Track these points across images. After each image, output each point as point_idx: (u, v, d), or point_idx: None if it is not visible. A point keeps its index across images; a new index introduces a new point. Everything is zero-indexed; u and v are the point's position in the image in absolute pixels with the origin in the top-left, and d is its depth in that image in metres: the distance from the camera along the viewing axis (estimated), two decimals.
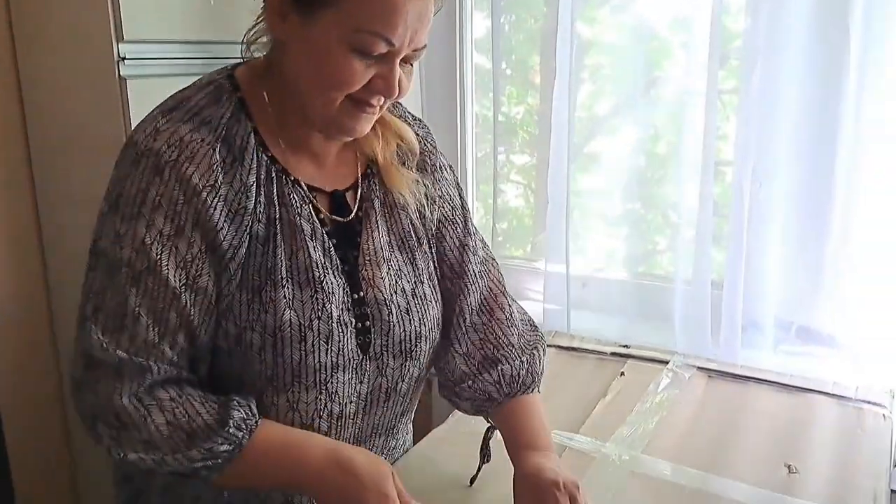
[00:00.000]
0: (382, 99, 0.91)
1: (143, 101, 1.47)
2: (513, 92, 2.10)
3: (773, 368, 1.51)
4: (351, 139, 0.97)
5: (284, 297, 0.91)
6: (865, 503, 1.03)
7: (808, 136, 1.55)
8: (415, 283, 1.04)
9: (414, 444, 1.19)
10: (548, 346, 1.59)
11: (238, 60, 1.00)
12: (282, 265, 0.92)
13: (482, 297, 1.11)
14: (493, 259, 1.16)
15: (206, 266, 0.88)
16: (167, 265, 0.85)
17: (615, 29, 1.85)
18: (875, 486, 1.07)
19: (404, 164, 1.06)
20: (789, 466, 1.11)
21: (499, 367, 1.07)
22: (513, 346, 1.09)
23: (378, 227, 1.02)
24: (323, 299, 0.94)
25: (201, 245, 0.87)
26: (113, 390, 0.83)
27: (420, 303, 1.04)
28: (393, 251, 1.03)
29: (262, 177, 0.92)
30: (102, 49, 1.43)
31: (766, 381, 1.44)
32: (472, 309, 1.10)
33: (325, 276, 0.94)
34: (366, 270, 0.99)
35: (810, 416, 1.31)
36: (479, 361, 1.08)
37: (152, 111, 0.92)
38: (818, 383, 1.41)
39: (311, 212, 0.96)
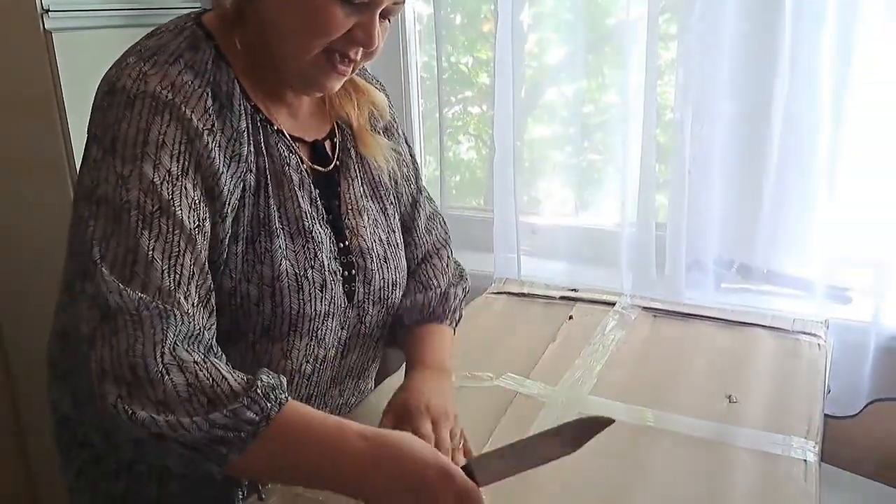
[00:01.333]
0: (360, 52, 0.90)
1: (70, 54, 1.43)
2: (464, 41, 2.08)
3: (716, 306, 1.56)
4: (321, 94, 0.98)
5: (279, 247, 0.92)
6: (801, 426, 1.07)
7: (745, 80, 1.59)
8: (388, 232, 1.07)
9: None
10: (498, 292, 1.63)
11: (199, 9, 0.97)
12: (274, 215, 0.92)
13: (426, 251, 1.15)
14: (439, 213, 1.20)
15: (207, 213, 0.85)
16: (179, 205, 0.80)
17: None
18: (810, 409, 1.12)
19: (375, 129, 1.08)
20: (730, 397, 1.15)
21: (414, 296, 1.11)
22: (439, 287, 1.14)
23: (356, 176, 1.04)
24: (314, 248, 0.95)
25: (203, 188, 0.84)
26: (134, 341, 0.74)
27: (395, 251, 1.07)
28: (368, 200, 1.05)
29: (249, 125, 0.90)
30: (25, 1, 1.38)
31: (708, 317, 1.48)
32: (416, 262, 1.15)
33: (313, 225, 0.96)
34: (349, 219, 1.02)
35: (750, 348, 1.35)
36: (404, 294, 1.12)
37: (125, 58, 0.87)
38: (757, 317, 1.46)
39: (298, 161, 0.96)
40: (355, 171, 1.04)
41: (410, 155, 1.18)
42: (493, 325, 1.48)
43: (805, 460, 0.99)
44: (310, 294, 0.94)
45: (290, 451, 0.76)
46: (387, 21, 0.92)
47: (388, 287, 1.05)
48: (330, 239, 0.98)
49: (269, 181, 0.92)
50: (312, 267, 0.94)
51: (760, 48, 1.55)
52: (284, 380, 0.80)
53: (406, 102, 2.02)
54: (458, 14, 2.06)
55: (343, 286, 0.99)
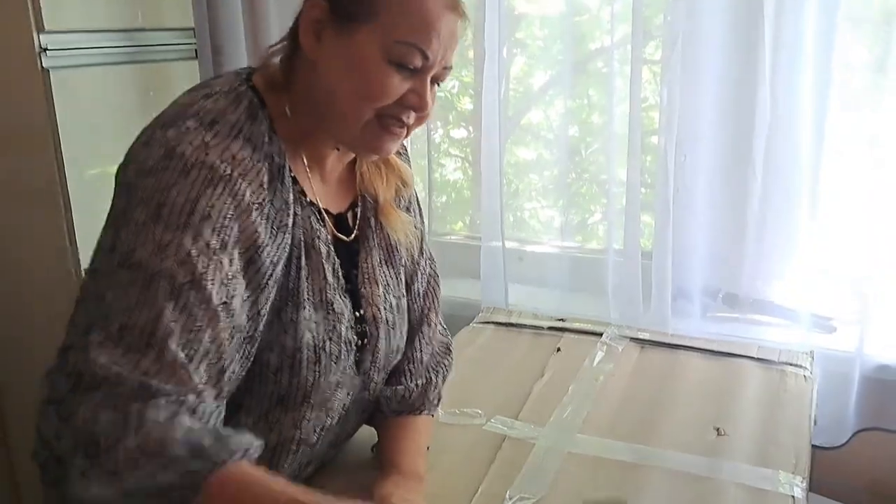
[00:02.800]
0: (412, 116, 0.91)
1: (66, 91, 1.45)
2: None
3: (703, 335, 1.58)
4: (379, 158, 1.00)
5: (304, 318, 0.92)
6: (788, 460, 1.09)
7: (728, 108, 1.61)
8: (398, 297, 1.07)
9: None
10: (485, 322, 1.65)
11: (246, 68, 0.97)
12: (304, 286, 0.92)
13: (418, 314, 1.14)
14: (436, 275, 1.18)
15: (241, 287, 0.84)
16: (211, 279, 0.80)
17: (547, 2, 1.87)
18: (797, 443, 1.14)
19: (399, 205, 1.09)
20: (718, 430, 1.17)
21: (395, 385, 1.10)
22: (420, 363, 1.13)
23: (374, 245, 1.04)
24: (334, 320, 0.95)
25: (240, 262, 0.84)
26: (102, 406, 0.73)
27: (401, 317, 1.07)
28: (383, 266, 1.05)
29: (292, 196, 0.91)
30: (23, 40, 1.40)
31: (695, 348, 1.50)
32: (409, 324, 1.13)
33: (335, 296, 0.96)
34: (365, 288, 1.02)
35: (737, 380, 1.37)
36: (386, 380, 1.11)
37: (181, 120, 0.85)
38: (744, 348, 1.48)
39: (326, 234, 0.96)
40: (373, 239, 1.04)
41: (420, 214, 1.17)
42: (480, 358, 1.49)
43: (793, 496, 1.01)
44: (326, 366, 0.95)
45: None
46: (437, 85, 0.93)
47: (392, 353, 1.06)
48: (348, 309, 0.98)
49: (301, 252, 0.92)
50: (331, 339, 0.95)
51: (742, 77, 1.58)
52: (256, 443, 0.79)
53: None
54: None
55: (354, 356, 1.00)
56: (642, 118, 1.67)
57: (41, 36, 1.37)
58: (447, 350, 1.18)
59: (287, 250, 0.90)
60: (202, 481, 0.73)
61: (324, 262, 0.95)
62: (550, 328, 1.61)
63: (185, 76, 1.66)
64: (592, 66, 1.88)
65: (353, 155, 1.02)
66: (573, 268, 1.91)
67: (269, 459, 0.95)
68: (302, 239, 0.92)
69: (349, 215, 1.03)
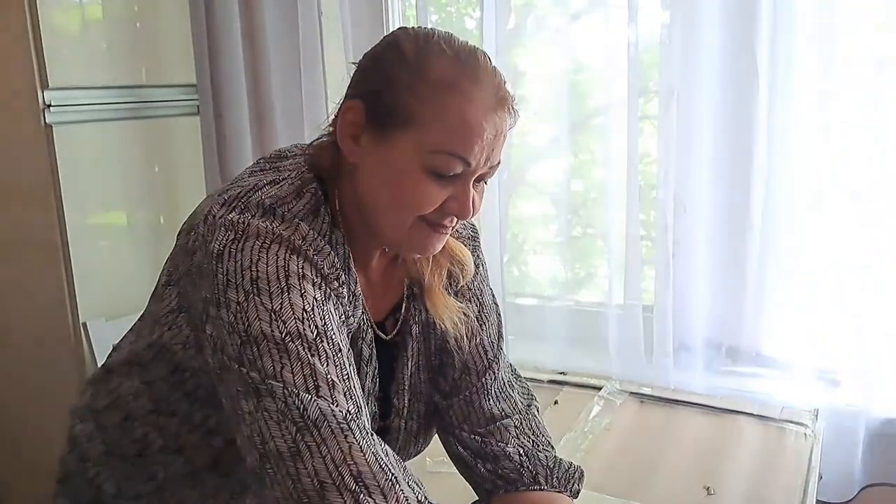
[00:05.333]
0: (455, 219, 0.86)
1: (69, 147, 1.49)
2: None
3: (705, 389, 1.56)
4: (425, 255, 0.93)
5: None
6: None
7: (726, 162, 1.61)
8: (429, 401, 1.02)
9: None
10: None
11: (311, 147, 0.93)
12: None
13: (491, 416, 1.02)
14: (519, 379, 1.09)
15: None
16: (333, 329, 0.78)
17: (547, 60, 1.89)
18: (788, 502, 1.10)
19: (450, 287, 1.00)
20: (707, 488, 1.15)
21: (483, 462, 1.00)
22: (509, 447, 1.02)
23: (414, 352, 0.98)
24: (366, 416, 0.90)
25: (342, 315, 0.82)
26: (349, 447, 0.70)
27: (428, 424, 1.02)
28: (420, 372, 1.00)
29: (357, 289, 0.87)
30: (27, 97, 1.44)
31: (695, 404, 1.48)
32: (475, 432, 1.02)
33: (368, 404, 0.91)
34: (397, 399, 0.97)
35: (734, 437, 1.35)
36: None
37: (244, 201, 0.82)
38: (744, 405, 1.45)
39: (372, 337, 0.92)
40: (414, 347, 0.98)
41: (494, 302, 1.07)
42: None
43: None
44: None
45: None
46: (483, 183, 0.88)
47: (408, 457, 1.02)
48: (375, 418, 0.94)
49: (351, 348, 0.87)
50: None
51: (739, 132, 1.58)
52: None
53: None
54: None
55: None
56: (643, 173, 1.68)
57: (45, 92, 1.41)
58: (528, 396, 1.07)
59: (349, 341, 0.85)
60: None
61: (364, 365, 0.91)
62: (550, 381, 1.60)
63: (186, 131, 1.70)
64: (594, 123, 1.90)
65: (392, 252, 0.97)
66: (574, 322, 1.89)
67: None
68: (352, 334, 0.89)
69: (388, 322, 0.97)
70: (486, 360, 1.01)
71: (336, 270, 0.83)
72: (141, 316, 0.95)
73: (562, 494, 0.97)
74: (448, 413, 1.01)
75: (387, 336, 0.95)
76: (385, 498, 0.68)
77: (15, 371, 1.67)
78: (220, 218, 0.80)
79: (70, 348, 1.58)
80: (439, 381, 1.01)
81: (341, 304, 0.84)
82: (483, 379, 1.00)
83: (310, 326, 0.75)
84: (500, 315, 1.06)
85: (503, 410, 1.01)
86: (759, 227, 1.61)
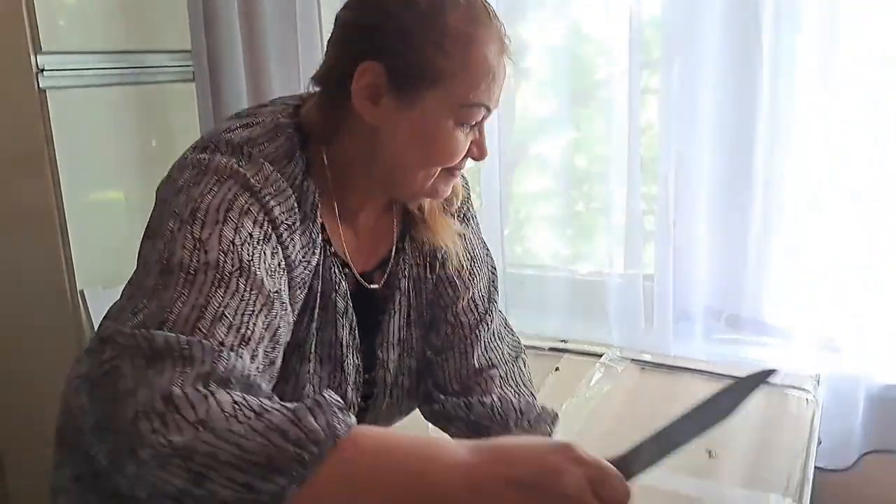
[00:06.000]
0: (469, 161, 0.89)
1: (63, 111, 1.47)
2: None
3: (705, 357, 1.56)
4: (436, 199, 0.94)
5: (308, 371, 0.88)
6: (779, 482, 1.06)
7: (727, 132, 1.60)
8: (420, 356, 1.01)
9: None
10: None
11: (298, 96, 0.93)
12: (312, 339, 0.88)
13: (480, 367, 1.03)
14: (507, 328, 1.10)
15: (285, 287, 0.79)
16: (259, 266, 0.74)
17: (551, 32, 1.87)
18: (790, 466, 1.11)
19: (446, 210, 1.01)
20: (710, 452, 1.14)
21: (517, 398, 1.01)
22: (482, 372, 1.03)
23: (398, 308, 0.98)
24: (341, 379, 0.91)
25: (282, 262, 0.79)
26: (174, 377, 0.61)
27: (421, 379, 1.01)
28: (410, 328, 0.99)
29: (319, 242, 0.87)
30: (20, 61, 1.42)
31: (696, 370, 1.47)
32: (462, 379, 1.02)
33: (346, 355, 0.92)
34: (381, 351, 0.96)
35: None
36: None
37: (217, 143, 0.81)
38: (746, 370, 1.44)
39: (346, 289, 0.91)
40: (401, 301, 0.98)
41: (488, 255, 1.08)
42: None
43: None
44: None
45: (369, 472, 0.60)
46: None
47: (401, 413, 1.01)
48: (358, 370, 0.94)
49: (317, 303, 0.88)
50: None
51: (740, 102, 1.57)
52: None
53: None
54: None
55: (357, 415, 0.94)
56: (646, 145, 1.66)
57: (38, 56, 1.39)
58: (517, 348, 1.08)
59: (306, 290, 0.85)
60: (333, 441, 0.59)
61: (339, 317, 0.91)
62: (552, 349, 1.60)
63: (182, 98, 1.67)
64: (598, 96, 1.88)
65: (387, 201, 0.97)
66: (575, 292, 1.88)
67: None
68: (320, 289, 0.88)
69: (376, 274, 0.97)
70: (477, 314, 1.02)
71: (292, 217, 0.81)
72: (129, 280, 0.93)
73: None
74: (441, 368, 1.01)
75: (370, 286, 0.94)
76: (193, 407, 0.58)
77: (13, 338, 1.67)
78: (188, 158, 0.80)
79: (68, 316, 1.57)
80: (432, 336, 1.01)
81: (290, 250, 0.82)
82: (476, 332, 1.01)
83: (231, 258, 0.72)
84: (493, 269, 1.06)
85: (490, 360, 1.02)
86: (760, 195, 1.60)
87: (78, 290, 1.56)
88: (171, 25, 1.62)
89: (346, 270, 0.92)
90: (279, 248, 0.80)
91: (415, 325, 0.99)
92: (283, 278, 0.79)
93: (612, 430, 1.23)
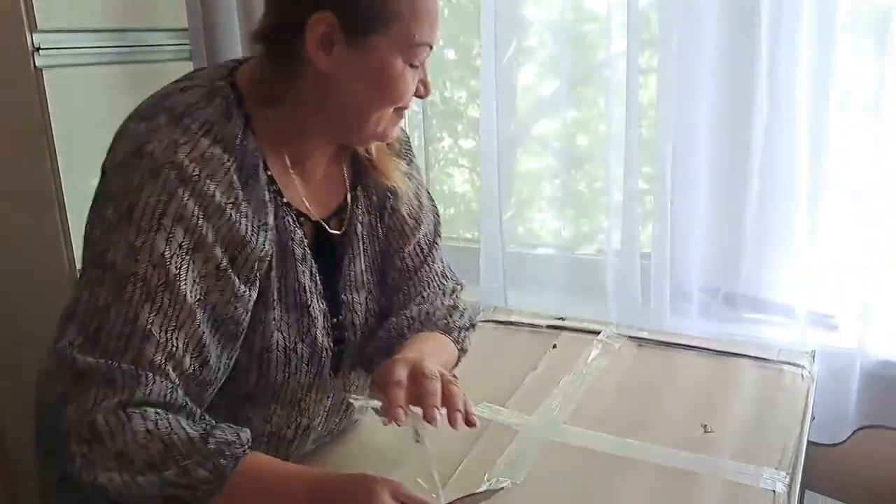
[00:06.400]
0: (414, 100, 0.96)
1: (60, 90, 1.47)
2: (458, 76, 2.11)
3: (702, 334, 1.56)
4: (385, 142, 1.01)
5: (274, 318, 0.92)
6: (774, 456, 1.07)
7: (725, 111, 1.60)
8: (380, 300, 1.07)
9: None
10: (485, 321, 1.64)
11: (233, 60, 0.97)
12: (274, 287, 0.92)
13: (422, 310, 1.10)
14: (438, 222, 1.18)
15: (230, 282, 0.85)
16: (185, 280, 0.81)
17: (554, 10, 1.86)
18: (784, 440, 1.11)
19: (396, 154, 1.09)
20: (705, 426, 1.15)
21: (419, 307, 1.08)
22: (423, 296, 1.12)
23: (357, 252, 1.04)
24: (308, 324, 0.95)
25: (223, 260, 0.84)
26: (98, 399, 0.75)
27: (384, 321, 1.07)
28: (369, 273, 1.05)
29: (269, 196, 0.91)
30: (16, 40, 1.41)
31: (693, 347, 1.48)
32: (411, 314, 1.09)
33: (311, 300, 0.96)
34: (346, 295, 1.02)
35: (732, 378, 1.35)
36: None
37: (155, 114, 0.86)
38: (742, 347, 1.46)
39: (302, 236, 0.96)
40: (359, 246, 1.04)
41: (431, 201, 1.16)
42: (475, 352, 1.46)
43: (774, 491, 0.99)
44: (296, 367, 0.95)
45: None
46: None
47: (373, 358, 1.05)
48: (325, 315, 0.98)
49: (274, 253, 0.92)
50: (303, 341, 0.95)
51: (738, 80, 1.57)
52: (245, 433, 0.80)
53: None
54: (452, 49, 2.09)
55: (331, 360, 1.00)
56: (646, 125, 1.66)
57: (34, 35, 1.39)
58: (455, 287, 1.17)
59: (273, 248, 0.90)
60: (229, 474, 0.75)
61: (298, 264, 0.95)
62: (549, 326, 1.61)
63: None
64: (599, 75, 1.87)
65: (334, 149, 1.01)
66: (573, 271, 1.89)
67: None
68: (277, 240, 0.92)
69: (332, 222, 1.01)
70: (421, 256, 1.12)
71: (233, 193, 0.85)
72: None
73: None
74: (389, 311, 1.09)
75: (331, 232, 1.01)
76: (112, 439, 0.74)
77: (11, 315, 1.67)
78: (128, 128, 0.86)
79: (66, 293, 1.58)
80: (383, 283, 1.10)
81: (248, 215, 0.87)
82: (419, 272, 1.11)
83: (159, 273, 0.80)
84: (437, 215, 1.17)
85: (427, 298, 1.10)
86: (757, 174, 1.60)
87: (77, 268, 1.57)
88: (168, 4, 1.61)
89: (303, 219, 0.96)
90: (224, 235, 0.84)
91: (371, 270, 1.06)
92: (229, 275, 0.85)
93: (610, 405, 1.24)
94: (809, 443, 1.56)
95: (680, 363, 1.43)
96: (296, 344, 0.94)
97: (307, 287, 0.96)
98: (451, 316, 1.10)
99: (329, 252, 1.00)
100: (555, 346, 1.50)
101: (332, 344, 0.99)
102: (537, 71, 1.95)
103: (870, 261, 1.53)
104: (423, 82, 0.94)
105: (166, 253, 0.80)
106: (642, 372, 1.40)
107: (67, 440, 0.74)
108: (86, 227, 0.88)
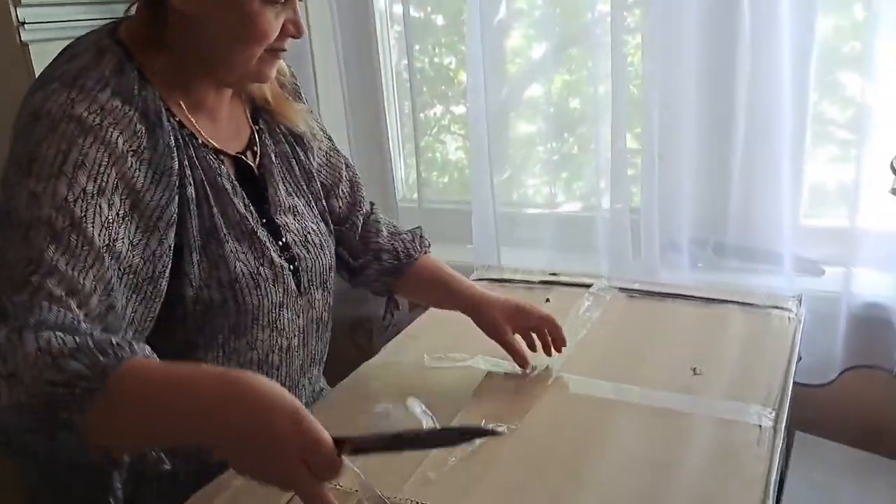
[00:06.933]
0: (289, 42, 0.98)
1: (46, 64, 1.46)
2: (447, 42, 2.11)
3: (692, 284, 1.59)
4: (263, 83, 1.05)
5: (231, 251, 0.98)
6: (760, 394, 1.10)
7: (709, 67, 1.63)
8: (317, 221, 1.14)
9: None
10: (479, 279, 1.66)
11: (111, 21, 0.99)
12: (220, 222, 0.98)
13: (364, 216, 1.29)
14: (353, 169, 1.31)
15: (128, 230, 0.86)
16: (92, 223, 0.81)
17: None
18: (770, 378, 1.15)
19: (290, 96, 1.16)
20: (694, 369, 1.19)
21: (392, 248, 1.27)
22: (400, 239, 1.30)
23: (277, 179, 1.10)
24: (261, 248, 1.01)
25: (123, 208, 0.85)
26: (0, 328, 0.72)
27: (326, 238, 1.15)
28: (292, 197, 1.11)
29: (178, 141, 0.94)
30: (1, 15, 1.41)
31: (682, 296, 1.50)
32: (358, 229, 1.28)
33: (255, 227, 1.03)
34: (279, 218, 1.08)
35: (721, 324, 1.38)
36: (373, 251, 1.27)
37: (47, 83, 0.87)
38: (730, 294, 1.48)
39: (228, 171, 1.02)
40: (277, 174, 1.10)
41: (327, 135, 1.26)
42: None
43: (760, 426, 1.02)
44: (266, 288, 1.02)
45: (136, 404, 0.71)
46: (302, 1, 0.98)
47: (325, 271, 1.14)
48: (269, 239, 1.04)
49: (207, 192, 0.97)
50: (262, 264, 1.02)
51: (722, 35, 1.59)
52: (144, 348, 0.76)
53: (382, 105, 2.04)
54: (440, 15, 2.09)
55: (293, 278, 1.07)
56: (636, 83, 1.69)
57: (19, 9, 1.39)
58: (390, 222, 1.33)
59: (182, 193, 0.93)
60: (109, 371, 0.70)
61: (232, 197, 1.00)
62: (542, 282, 1.63)
63: None
64: (587, 36, 1.88)
65: (230, 91, 1.05)
66: (564, 229, 1.93)
67: None
68: (204, 178, 0.97)
69: (248, 154, 1.07)
70: (361, 193, 1.29)
71: (137, 139, 0.88)
72: None
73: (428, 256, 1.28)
74: (346, 237, 1.25)
75: (251, 174, 1.06)
76: (5, 360, 0.70)
77: None
78: (25, 103, 0.86)
79: None
80: (333, 204, 1.23)
81: (151, 161, 0.89)
82: (358, 196, 1.28)
83: (63, 216, 0.79)
84: (349, 165, 1.30)
85: (367, 212, 1.30)
86: (742, 123, 1.63)
87: None
88: None
89: (222, 156, 1.02)
90: (127, 182, 0.86)
91: (296, 194, 1.12)
92: (129, 223, 0.86)
93: (602, 354, 1.27)
94: (798, 384, 1.60)
95: (669, 312, 1.46)
96: (258, 268, 1.00)
97: (246, 217, 1.01)
98: (416, 239, 1.29)
99: (252, 184, 1.06)
100: (548, 300, 1.53)
101: (286, 263, 1.06)
102: (527, 34, 1.96)
103: (852, 206, 1.56)
104: (294, 22, 0.96)
105: (69, 197, 0.80)
106: (633, 321, 1.43)
107: None
108: None
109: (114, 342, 0.73)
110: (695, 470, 0.95)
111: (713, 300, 1.48)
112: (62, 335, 0.72)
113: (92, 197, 0.82)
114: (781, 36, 1.52)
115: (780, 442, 1.01)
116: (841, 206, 1.59)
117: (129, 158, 0.87)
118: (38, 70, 1.45)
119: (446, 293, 1.24)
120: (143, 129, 0.89)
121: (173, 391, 0.72)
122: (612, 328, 1.39)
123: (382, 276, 1.27)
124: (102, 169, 0.84)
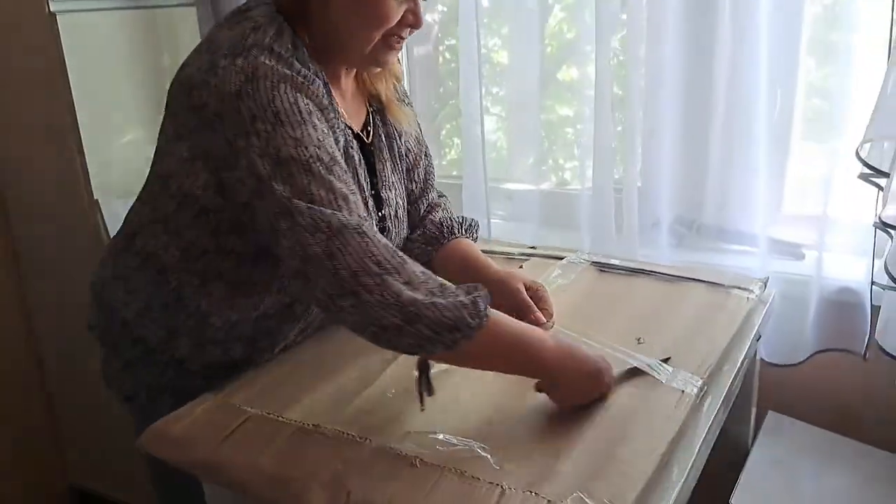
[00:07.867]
0: (409, 31, 1.08)
1: (74, 35, 1.58)
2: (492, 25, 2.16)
3: (669, 263, 1.64)
4: (383, 69, 1.18)
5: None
6: (692, 362, 1.16)
7: (691, 45, 1.67)
8: (404, 198, 1.31)
9: None
10: None
11: None
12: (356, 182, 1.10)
13: (420, 188, 1.40)
14: (431, 160, 1.44)
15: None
16: (338, 154, 1.01)
17: None
18: (708, 351, 1.20)
19: (400, 100, 1.29)
20: (639, 339, 1.25)
21: (440, 222, 1.37)
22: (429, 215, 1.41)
23: (387, 158, 1.25)
24: (371, 215, 1.13)
25: (337, 147, 1.04)
26: (367, 245, 0.94)
27: (405, 214, 1.32)
28: (393, 174, 1.26)
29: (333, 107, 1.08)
30: None
31: (652, 272, 1.54)
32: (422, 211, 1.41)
33: (367, 197, 1.17)
34: (383, 192, 1.23)
35: (680, 300, 1.42)
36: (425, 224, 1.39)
37: (247, 49, 0.98)
38: (698, 273, 1.52)
39: (354, 143, 1.15)
40: (385, 152, 1.24)
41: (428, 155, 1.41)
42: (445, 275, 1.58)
43: (682, 391, 1.09)
44: None
45: (501, 344, 0.99)
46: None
47: (401, 243, 1.32)
48: (373, 210, 1.18)
49: (344, 156, 1.09)
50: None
51: (705, 19, 1.64)
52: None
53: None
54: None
55: None
56: (614, 63, 1.73)
57: None
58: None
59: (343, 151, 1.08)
60: (484, 321, 0.95)
61: (357, 167, 1.14)
62: (521, 254, 1.68)
63: (183, 22, 1.78)
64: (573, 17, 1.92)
65: (354, 71, 1.18)
66: (549, 204, 1.99)
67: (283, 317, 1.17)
68: (344, 145, 1.10)
69: (364, 131, 1.21)
70: (432, 181, 1.41)
71: (326, 98, 1.03)
72: (147, 182, 1.11)
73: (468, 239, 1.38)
74: (411, 214, 1.36)
75: (368, 141, 1.20)
76: (399, 273, 0.93)
77: (35, 247, 1.82)
78: (228, 66, 0.96)
79: (85, 225, 1.73)
80: (409, 186, 1.35)
81: (333, 124, 1.05)
82: (429, 184, 1.40)
83: (324, 152, 0.97)
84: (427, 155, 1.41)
85: (434, 199, 1.42)
86: (722, 104, 1.68)
87: (94, 199, 1.72)
88: None
89: (349, 130, 1.14)
90: (331, 125, 1.04)
91: (394, 172, 1.27)
92: (341, 149, 1.06)
93: (558, 315, 1.32)
94: (768, 363, 1.64)
95: (634, 286, 1.50)
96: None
97: (363, 185, 1.15)
98: (465, 223, 1.40)
99: (365, 158, 1.19)
100: (521, 267, 1.59)
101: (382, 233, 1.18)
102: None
103: (827, 189, 1.60)
104: (413, 12, 1.05)
105: (320, 136, 0.98)
106: (596, 292, 1.47)
107: (355, 278, 0.91)
108: (224, 174, 1.00)
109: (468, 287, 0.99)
110: (607, 416, 1.04)
111: (680, 278, 1.51)
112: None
113: (327, 135, 1.00)
114: (761, 22, 1.56)
115: (712, 412, 1.07)
116: (815, 190, 1.62)
117: (322, 112, 1.02)
118: (65, 38, 1.56)
119: (475, 270, 1.32)
120: (324, 92, 1.03)
121: (522, 349, 1.02)
122: (573, 295, 1.44)
123: (424, 244, 1.35)
124: (320, 115, 1.01)
